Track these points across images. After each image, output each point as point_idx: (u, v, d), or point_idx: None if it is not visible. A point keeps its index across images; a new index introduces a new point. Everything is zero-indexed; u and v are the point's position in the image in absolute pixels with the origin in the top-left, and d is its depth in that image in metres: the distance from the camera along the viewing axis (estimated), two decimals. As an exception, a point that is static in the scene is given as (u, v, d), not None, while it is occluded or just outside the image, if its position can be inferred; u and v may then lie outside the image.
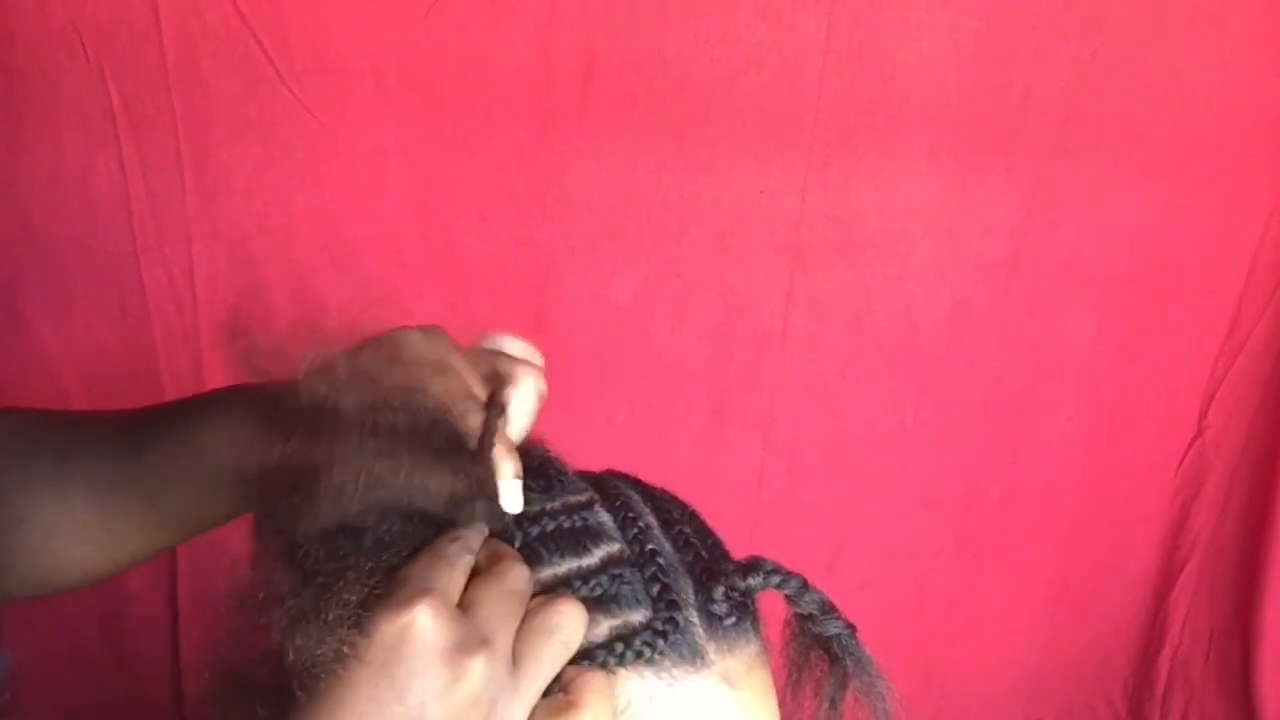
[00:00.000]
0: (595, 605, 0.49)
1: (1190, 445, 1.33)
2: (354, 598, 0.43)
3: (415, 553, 0.46)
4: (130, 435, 0.59)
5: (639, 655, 0.48)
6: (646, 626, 0.49)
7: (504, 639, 0.45)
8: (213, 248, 1.05)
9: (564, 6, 1.02)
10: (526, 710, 0.45)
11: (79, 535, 0.60)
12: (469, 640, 0.43)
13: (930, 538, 1.32)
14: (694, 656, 0.49)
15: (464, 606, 0.45)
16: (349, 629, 0.43)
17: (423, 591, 0.43)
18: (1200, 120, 1.17)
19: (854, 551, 1.29)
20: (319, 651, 0.42)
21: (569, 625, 0.47)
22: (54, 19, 0.97)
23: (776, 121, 1.10)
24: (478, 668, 0.43)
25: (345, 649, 0.42)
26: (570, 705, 0.46)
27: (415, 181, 1.07)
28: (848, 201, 1.14)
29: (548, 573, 0.50)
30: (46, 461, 0.61)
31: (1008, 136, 1.14)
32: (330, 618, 0.43)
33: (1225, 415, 1.31)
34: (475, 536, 0.48)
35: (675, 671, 0.49)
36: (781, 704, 0.53)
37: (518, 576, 0.47)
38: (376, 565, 0.45)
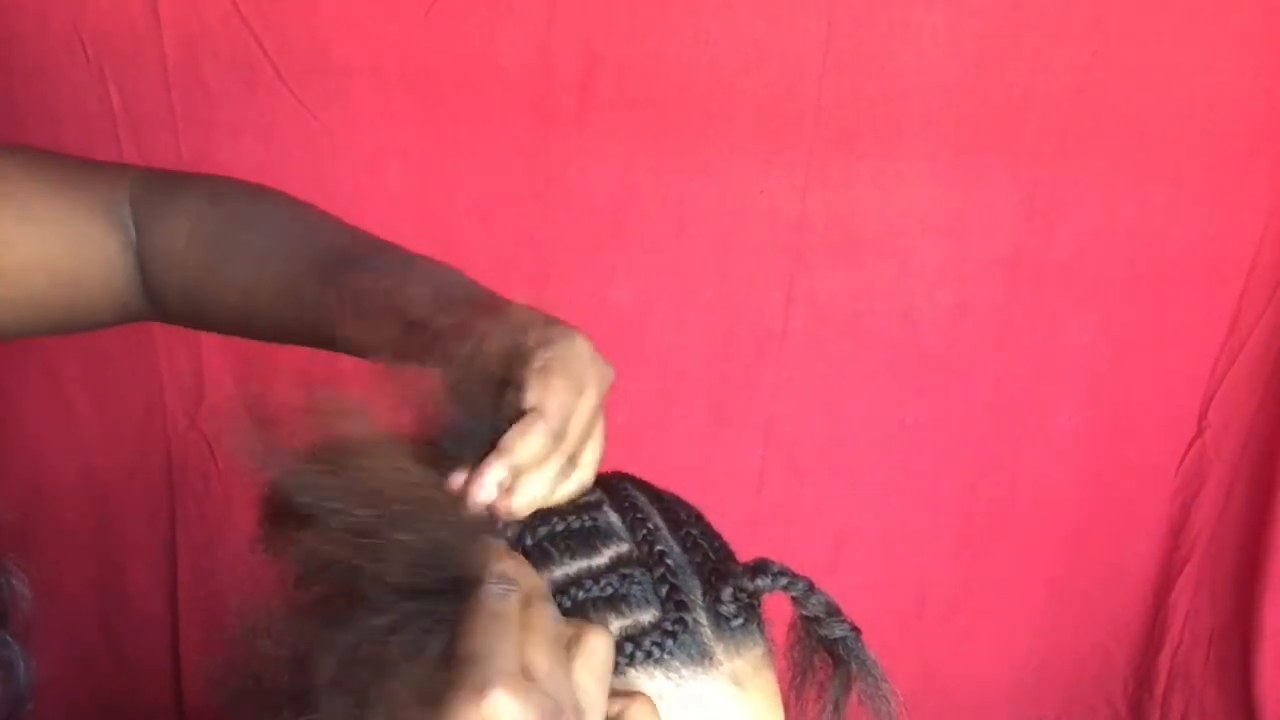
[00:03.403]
0: (605, 605, 0.50)
1: (1190, 445, 1.33)
2: (413, 680, 0.42)
3: (460, 601, 0.44)
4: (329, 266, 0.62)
5: (648, 655, 0.49)
6: (656, 627, 0.49)
7: (569, 697, 0.44)
8: (213, 248, 1.05)
9: (564, 6, 1.02)
10: None
11: (262, 311, 0.64)
12: (545, 715, 0.42)
13: (930, 538, 1.32)
14: (702, 657, 0.50)
15: (525, 671, 0.43)
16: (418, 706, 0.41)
17: (496, 674, 0.41)
18: (1200, 120, 1.17)
19: (854, 551, 1.29)
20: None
21: (609, 658, 0.46)
22: (54, 19, 0.97)
23: (776, 121, 1.10)
24: None
25: None
26: None
27: (415, 181, 1.07)
28: (848, 201, 1.14)
29: (559, 573, 0.50)
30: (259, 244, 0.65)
31: (1008, 136, 1.14)
32: (392, 689, 0.41)
33: (1225, 415, 1.31)
34: (509, 566, 0.46)
35: (684, 672, 0.49)
36: (785, 706, 0.53)
37: (554, 617, 0.46)
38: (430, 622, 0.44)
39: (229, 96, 1.01)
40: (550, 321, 0.53)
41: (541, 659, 0.44)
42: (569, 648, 0.46)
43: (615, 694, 0.47)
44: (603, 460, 0.55)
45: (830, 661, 0.52)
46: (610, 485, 0.56)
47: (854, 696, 0.52)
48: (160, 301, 0.68)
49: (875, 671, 0.51)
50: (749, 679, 0.50)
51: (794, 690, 0.54)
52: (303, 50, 1.00)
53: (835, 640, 0.51)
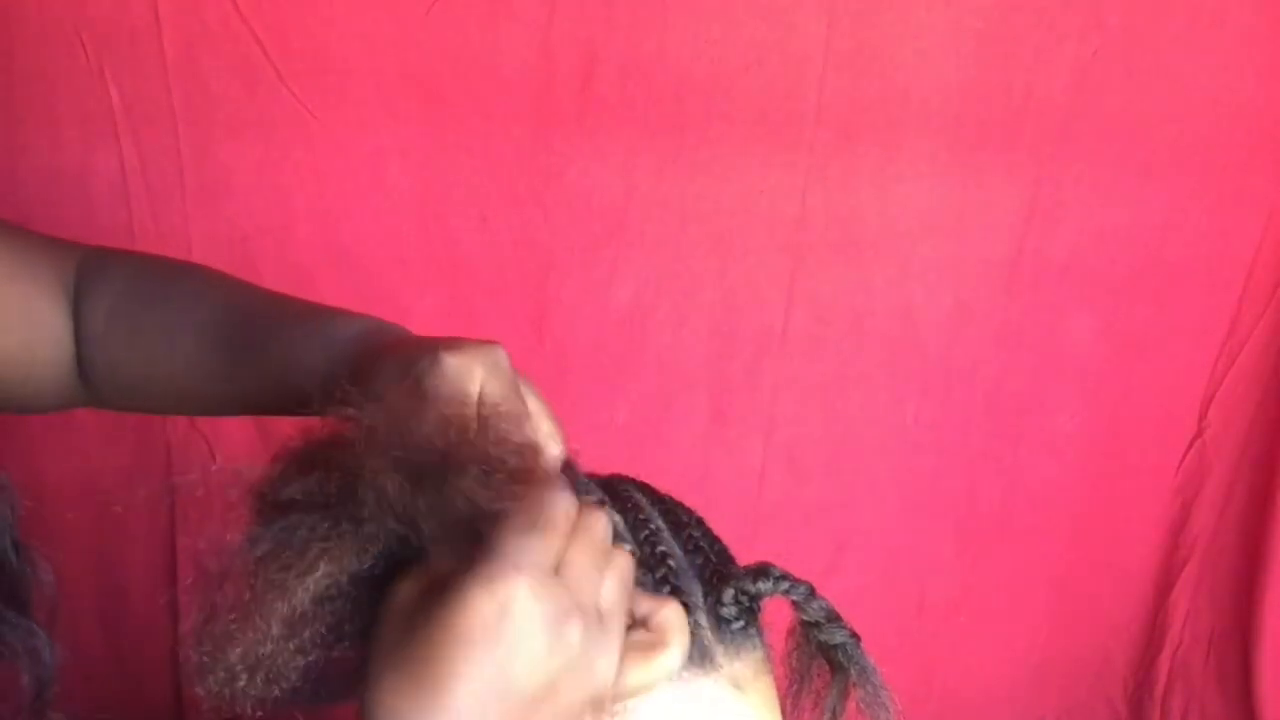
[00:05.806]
0: None
1: (1190, 445, 1.33)
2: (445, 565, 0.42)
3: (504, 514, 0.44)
4: (243, 326, 0.62)
5: None
6: None
7: (594, 597, 0.44)
8: (213, 248, 1.05)
9: (564, 6, 1.02)
10: (618, 656, 0.45)
11: (176, 386, 0.65)
12: (566, 608, 0.42)
13: (931, 538, 1.32)
14: (703, 659, 0.50)
15: (559, 567, 0.43)
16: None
17: (519, 567, 0.41)
18: (1200, 120, 1.17)
19: (854, 552, 1.29)
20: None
21: (631, 568, 0.47)
22: (54, 19, 0.97)
23: (776, 121, 1.10)
24: (575, 634, 0.42)
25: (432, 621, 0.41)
26: (658, 644, 0.47)
27: (415, 181, 1.07)
28: (848, 201, 1.14)
29: None
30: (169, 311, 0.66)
31: (1008, 136, 1.14)
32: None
33: (1225, 415, 1.31)
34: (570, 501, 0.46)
35: (685, 673, 0.49)
36: (782, 713, 0.53)
37: (603, 526, 0.46)
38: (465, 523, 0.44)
39: (229, 96, 1.01)
40: (412, 358, 0.50)
41: (583, 558, 0.44)
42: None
43: (645, 597, 0.48)
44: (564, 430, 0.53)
45: (828, 668, 0.52)
46: (612, 487, 0.56)
47: (852, 704, 0.52)
48: (91, 384, 0.67)
49: (874, 678, 0.51)
50: (749, 682, 0.51)
51: (791, 698, 0.53)
52: (303, 50, 1.00)
53: (835, 646, 0.51)
